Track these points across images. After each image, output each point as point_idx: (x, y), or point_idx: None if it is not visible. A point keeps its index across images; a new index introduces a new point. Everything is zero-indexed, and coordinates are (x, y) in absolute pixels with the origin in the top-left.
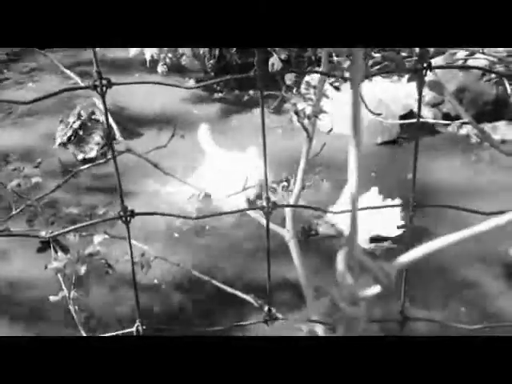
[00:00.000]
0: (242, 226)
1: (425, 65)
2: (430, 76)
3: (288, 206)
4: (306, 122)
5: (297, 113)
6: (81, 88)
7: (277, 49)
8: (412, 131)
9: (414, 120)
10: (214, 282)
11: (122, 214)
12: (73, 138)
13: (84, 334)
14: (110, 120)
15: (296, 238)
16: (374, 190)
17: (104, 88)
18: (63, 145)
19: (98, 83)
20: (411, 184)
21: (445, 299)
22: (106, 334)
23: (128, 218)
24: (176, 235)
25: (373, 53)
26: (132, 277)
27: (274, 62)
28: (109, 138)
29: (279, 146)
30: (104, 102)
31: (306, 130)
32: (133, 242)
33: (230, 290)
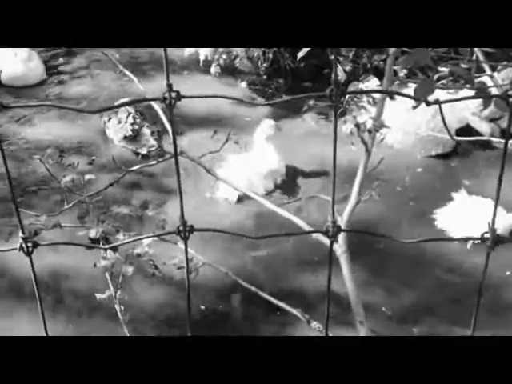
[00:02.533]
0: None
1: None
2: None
3: (353, 231)
4: (365, 135)
5: (358, 126)
6: (150, 100)
7: (341, 59)
8: (467, 146)
9: (470, 138)
10: (261, 293)
11: (181, 228)
12: (131, 133)
13: (127, 334)
14: (164, 120)
15: (347, 253)
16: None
17: (173, 101)
18: (124, 140)
19: (167, 96)
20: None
21: None
22: (103, 335)
23: (187, 234)
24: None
25: (439, 67)
26: (186, 288)
27: (339, 73)
28: (176, 149)
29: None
30: (171, 114)
31: (365, 143)
32: (181, 246)
33: (276, 302)
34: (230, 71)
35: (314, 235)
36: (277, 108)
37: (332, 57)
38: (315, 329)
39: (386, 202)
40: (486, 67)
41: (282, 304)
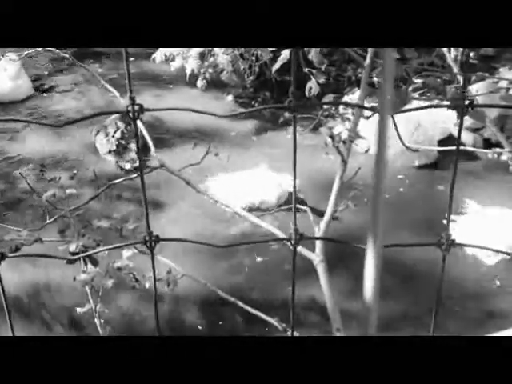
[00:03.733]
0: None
1: (466, 102)
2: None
3: (315, 238)
4: (341, 145)
5: (332, 137)
6: (114, 113)
7: (314, 72)
8: (450, 156)
9: (451, 147)
10: (239, 303)
11: (146, 238)
12: (116, 148)
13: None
14: (146, 135)
15: (325, 263)
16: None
17: (136, 114)
18: (109, 153)
19: (130, 109)
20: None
21: None
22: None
23: (153, 244)
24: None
25: (414, 79)
26: (154, 298)
27: (312, 85)
28: (141, 158)
29: (313, 166)
30: (136, 127)
31: (340, 153)
32: (160, 258)
33: (254, 311)
34: (216, 85)
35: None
36: (262, 121)
37: (304, 69)
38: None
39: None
40: (460, 78)
41: (259, 314)
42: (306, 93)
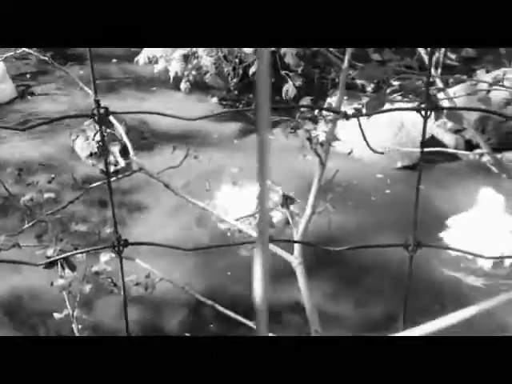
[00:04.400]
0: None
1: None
2: (448, 104)
3: (286, 241)
4: (318, 148)
5: (309, 139)
6: (80, 116)
7: (291, 74)
8: (432, 157)
9: (433, 148)
10: (217, 306)
11: (115, 243)
12: (96, 150)
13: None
14: (125, 138)
15: (303, 265)
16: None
17: (102, 117)
18: (91, 156)
19: (95, 112)
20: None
21: None
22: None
23: (121, 248)
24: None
25: (392, 81)
26: (123, 301)
27: (289, 88)
28: (107, 162)
29: (295, 168)
30: (101, 131)
31: (318, 156)
32: (138, 262)
33: (232, 314)
34: (200, 87)
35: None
36: (246, 123)
37: (281, 71)
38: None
39: (357, 212)
40: (438, 81)
41: (236, 315)
42: (283, 95)
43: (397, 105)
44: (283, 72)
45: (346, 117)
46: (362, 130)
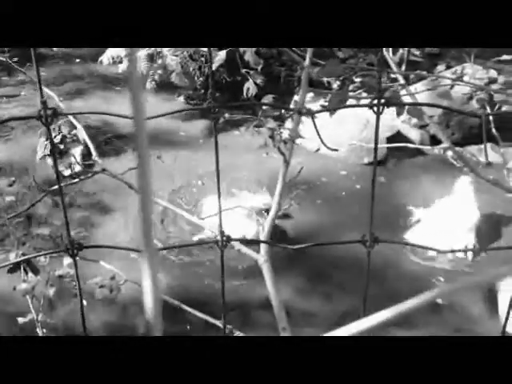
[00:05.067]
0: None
1: (382, 101)
2: (411, 100)
3: (242, 240)
4: (282, 146)
5: (272, 137)
6: (27, 118)
7: (251, 73)
8: (398, 153)
9: (398, 144)
10: (183, 307)
11: (68, 247)
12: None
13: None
14: (86, 139)
15: (269, 263)
16: None
17: (49, 118)
18: (45, 158)
19: (42, 113)
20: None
21: None
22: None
23: (75, 251)
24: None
25: (354, 77)
26: (80, 302)
27: (250, 86)
28: (56, 166)
29: (263, 166)
30: (50, 132)
31: (282, 154)
32: (103, 264)
33: (199, 314)
34: (166, 86)
35: (239, 246)
36: (221, 123)
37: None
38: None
39: (324, 208)
40: (400, 77)
41: (203, 315)
42: (244, 93)
43: (362, 101)
44: (243, 70)
45: (300, 114)
46: (315, 127)
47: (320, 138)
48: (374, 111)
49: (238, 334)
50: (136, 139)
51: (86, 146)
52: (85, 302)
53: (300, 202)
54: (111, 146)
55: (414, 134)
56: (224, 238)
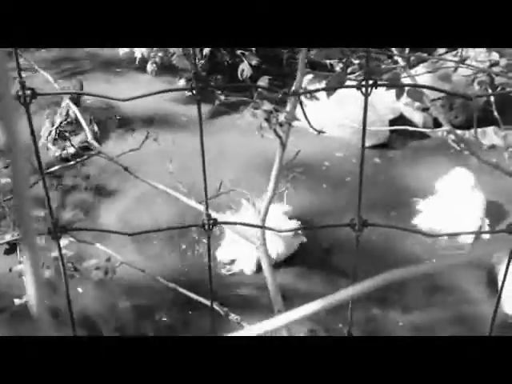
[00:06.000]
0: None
1: (370, 82)
2: (410, 81)
3: (229, 223)
4: (278, 128)
5: (268, 120)
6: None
7: (247, 54)
8: (400, 136)
9: (399, 127)
10: (179, 289)
11: (51, 229)
12: (56, 136)
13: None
14: (82, 121)
15: (265, 246)
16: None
17: (28, 99)
18: (48, 142)
19: (21, 93)
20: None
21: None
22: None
23: (58, 234)
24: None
25: (352, 59)
26: (66, 287)
27: (244, 68)
28: (36, 147)
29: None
30: (28, 113)
31: (279, 137)
32: (98, 246)
33: (194, 296)
34: (168, 69)
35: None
36: (215, 105)
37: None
38: (234, 321)
39: (323, 192)
40: (400, 60)
41: (198, 297)
42: (239, 75)
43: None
44: (238, 52)
45: (286, 95)
46: (302, 108)
47: (306, 119)
48: (362, 92)
49: (233, 316)
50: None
51: (94, 130)
52: (80, 290)
53: (297, 186)
54: (111, 127)
55: (417, 117)
56: (210, 221)
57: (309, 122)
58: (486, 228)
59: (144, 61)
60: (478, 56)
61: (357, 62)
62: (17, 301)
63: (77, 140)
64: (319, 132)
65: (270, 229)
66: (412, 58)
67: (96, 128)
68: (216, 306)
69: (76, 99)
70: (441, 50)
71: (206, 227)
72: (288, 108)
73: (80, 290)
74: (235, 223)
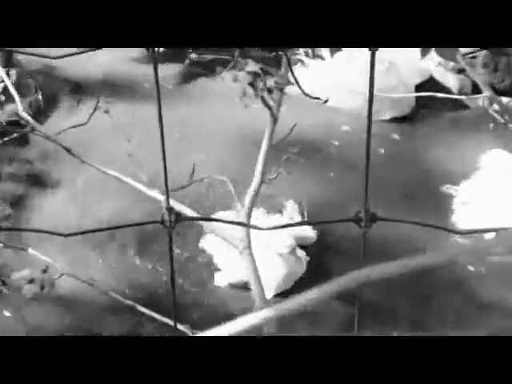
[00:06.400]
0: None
1: None
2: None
3: (195, 218)
4: (266, 96)
5: (252, 84)
6: None
7: None
8: (429, 105)
9: (422, 93)
10: (137, 307)
11: None
12: None
13: None
14: (10, 88)
15: (250, 249)
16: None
17: None
18: None
19: None
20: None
21: None
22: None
23: None
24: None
25: None
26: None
27: None
28: None
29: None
30: None
31: (269, 107)
32: (33, 252)
33: (156, 316)
34: None
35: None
36: (189, 66)
37: None
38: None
39: (326, 178)
40: None
41: (162, 318)
42: None
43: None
44: None
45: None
46: (292, 71)
47: (299, 85)
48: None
49: (195, 333)
50: None
51: (38, 99)
52: (7, 313)
53: (292, 171)
54: (54, 97)
55: (451, 81)
56: (172, 217)
57: (301, 89)
58: None
59: None
60: None
61: None
62: None
63: (7, 111)
64: (324, 101)
65: (257, 227)
66: None
67: (40, 97)
68: (167, 320)
69: (6, 56)
70: None
71: (167, 224)
72: (282, 69)
73: (7, 313)
74: (208, 219)
